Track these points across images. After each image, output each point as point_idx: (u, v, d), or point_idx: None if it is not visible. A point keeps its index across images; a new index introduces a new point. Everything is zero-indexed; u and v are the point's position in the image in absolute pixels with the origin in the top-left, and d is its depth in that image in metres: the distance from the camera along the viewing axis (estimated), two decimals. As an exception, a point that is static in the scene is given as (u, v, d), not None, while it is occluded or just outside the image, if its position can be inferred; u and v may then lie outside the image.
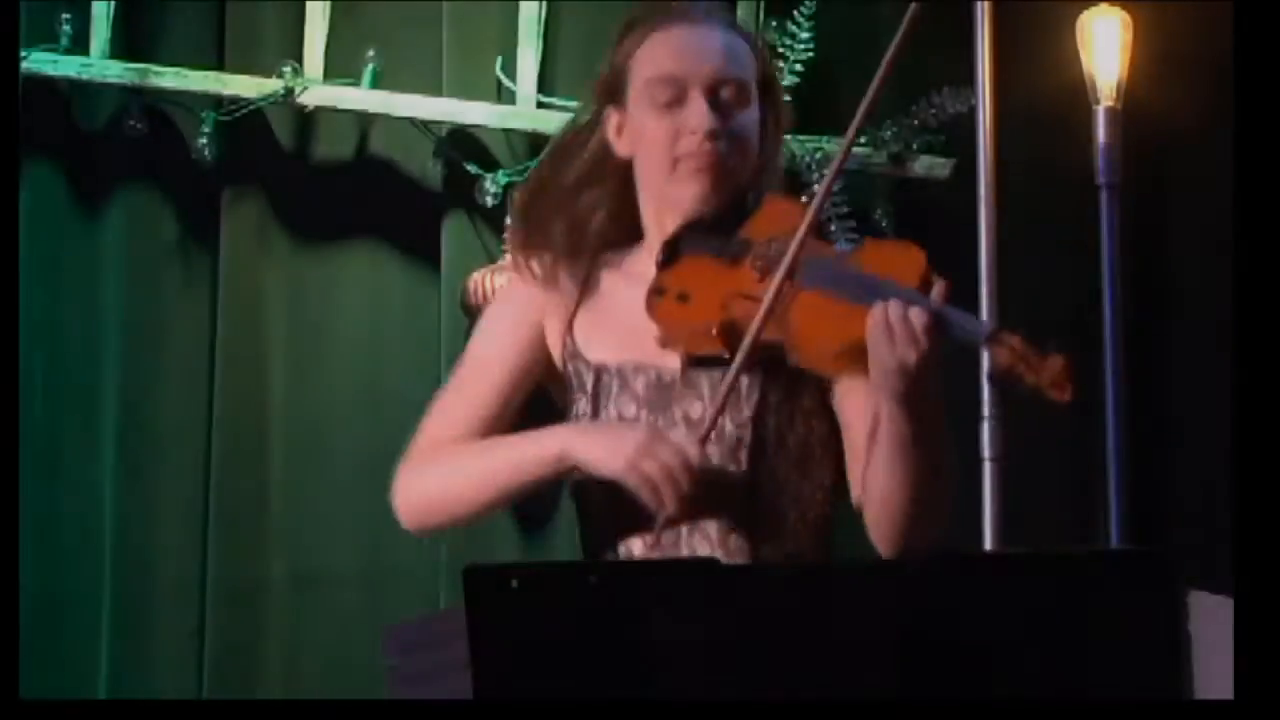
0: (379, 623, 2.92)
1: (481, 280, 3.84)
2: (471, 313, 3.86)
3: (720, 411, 2.62)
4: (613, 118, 2.77)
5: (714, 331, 2.63)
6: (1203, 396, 3.89)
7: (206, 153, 3.92)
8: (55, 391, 3.99)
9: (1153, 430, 3.94)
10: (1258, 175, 2.91)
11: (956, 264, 3.84)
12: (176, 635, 3.96)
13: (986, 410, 3.79)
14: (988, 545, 3.72)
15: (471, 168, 3.91)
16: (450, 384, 2.82)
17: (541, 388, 2.79)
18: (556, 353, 2.78)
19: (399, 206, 4.02)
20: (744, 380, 2.64)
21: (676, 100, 2.71)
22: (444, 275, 3.93)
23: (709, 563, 2.46)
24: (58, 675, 3.94)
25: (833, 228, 3.86)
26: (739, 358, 2.59)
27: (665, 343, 2.67)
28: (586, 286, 2.78)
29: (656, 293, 2.67)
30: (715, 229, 2.70)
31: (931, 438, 2.55)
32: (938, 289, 2.54)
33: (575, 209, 2.79)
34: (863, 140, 3.91)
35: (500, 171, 3.92)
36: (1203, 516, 3.80)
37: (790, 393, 2.67)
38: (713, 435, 2.63)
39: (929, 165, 3.92)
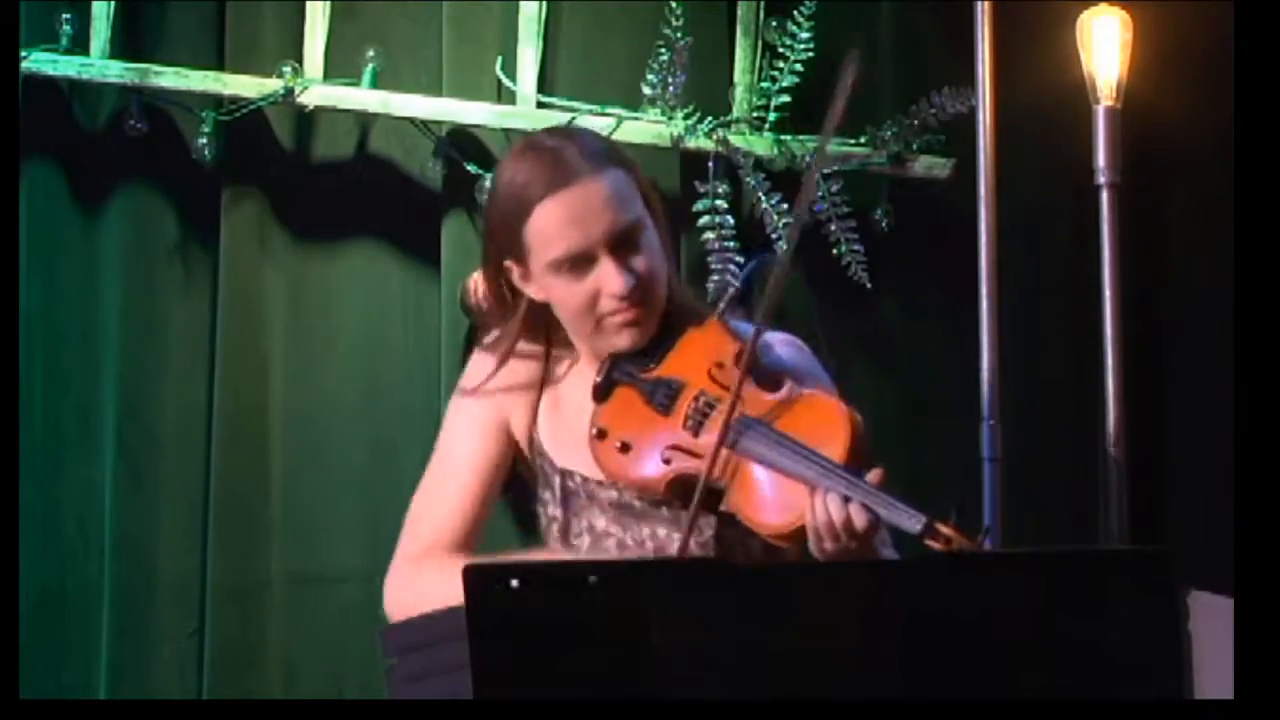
0: (379, 623, 2.91)
1: (482, 280, 3.84)
2: (471, 313, 3.85)
3: (685, 544, 2.72)
4: (514, 270, 2.84)
5: (662, 489, 2.77)
6: (1203, 396, 3.89)
7: (206, 152, 3.91)
8: (55, 391, 3.99)
9: (1153, 430, 3.94)
10: (1257, 175, 2.92)
11: (956, 264, 3.86)
12: (176, 635, 3.95)
13: (986, 411, 3.79)
14: (988, 545, 3.72)
15: (471, 167, 3.91)
16: (425, 488, 2.93)
17: (513, 474, 2.90)
18: (523, 444, 2.89)
19: (399, 206, 4.01)
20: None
21: (585, 265, 2.76)
22: (444, 275, 3.93)
23: (709, 563, 2.46)
24: (57, 675, 3.94)
25: (833, 227, 3.87)
26: (692, 510, 2.71)
27: (615, 483, 2.80)
28: (544, 381, 2.89)
29: (598, 435, 2.80)
30: (644, 356, 2.82)
31: None
32: (874, 476, 2.63)
33: (504, 336, 2.91)
34: (863, 140, 3.91)
35: (500, 171, 3.91)
36: (1203, 516, 3.80)
37: (742, 533, 2.77)
38: None
39: (929, 165, 3.92)
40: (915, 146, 3.91)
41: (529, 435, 2.88)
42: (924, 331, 3.97)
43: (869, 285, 3.88)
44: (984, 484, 3.77)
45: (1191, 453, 3.92)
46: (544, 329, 2.91)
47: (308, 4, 3.92)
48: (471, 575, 2.19)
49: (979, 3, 3.82)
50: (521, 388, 2.89)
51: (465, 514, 2.88)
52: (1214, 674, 2.35)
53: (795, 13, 3.91)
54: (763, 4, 3.93)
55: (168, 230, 4.00)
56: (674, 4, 3.87)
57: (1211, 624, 2.38)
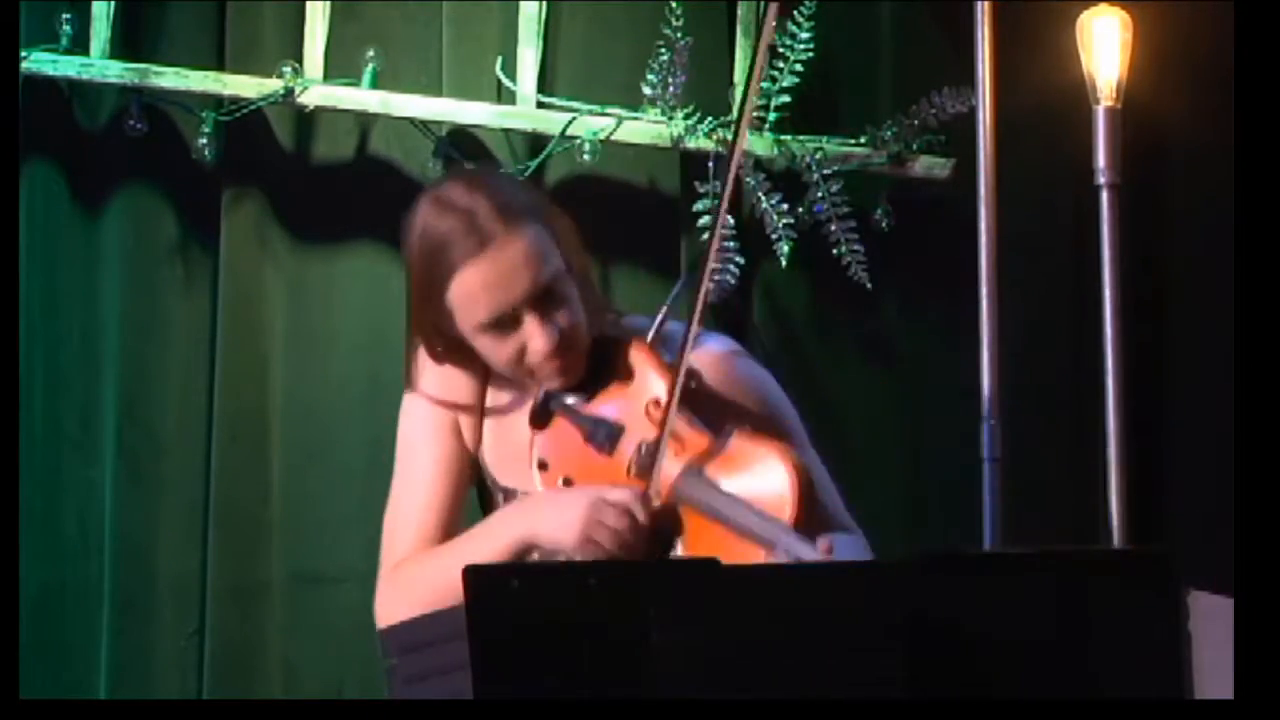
0: (380, 623, 2.92)
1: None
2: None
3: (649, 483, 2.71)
4: (444, 322, 2.84)
5: None
6: (1203, 396, 3.89)
7: (206, 153, 3.91)
8: (55, 391, 3.99)
9: (1153, 430, 3.93)
10: (1258, 175, 2.91)
11: (956, 264, 3.86)
12: (176, 635, 3.95)
13: (986, 411, 3.79)
14: (988, 545, 3.72)
15: (472, 167, 3.91)
16: (394, 502, 2.95)
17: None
18: (471, 447, 2.93)
19: (399, 206, 3.98)
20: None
21: (509, 325, 2.77)
22: (444, 275, 3.93)
23: (709, 563, 2.46)
24: (57, 675, 3.94)
25: (833, 227, 3.87)
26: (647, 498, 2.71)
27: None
28: (483, 399, 2.91)
29: (541, 466, 2.81)
30: (578, 389, 2.82)
31: None
32: (823, 545, 2.60)
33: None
34: (863, 140, 3.91)
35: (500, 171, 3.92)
36: (1203, 516, 3.80)
37: None
38: None
39: (929, 165, 3.92)
40: (915, 147, 3.91)
41: (475, 447, 2.90)
42: (924, 331, 3.97)
43: (869, 285, 3.88)
44: (984, 484, 3.77)
45: (1191, 453, 3.92)
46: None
47: (308, 4, 3.92)
48: (471, 575, 2.19)
49: (979, 3, 3.82)
50: (465, 398, 2.90)
51: (436, 519, 2.88)
52: (1214, 674, 2.35)
53: (795, 13, 3.91)
54: (763, 4, 3.93)
55: (168, 231, 4.00)
56: (674, 4, 3.87)
57: (1211, 624, 2.37)
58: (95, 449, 3.98)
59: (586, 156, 3.86)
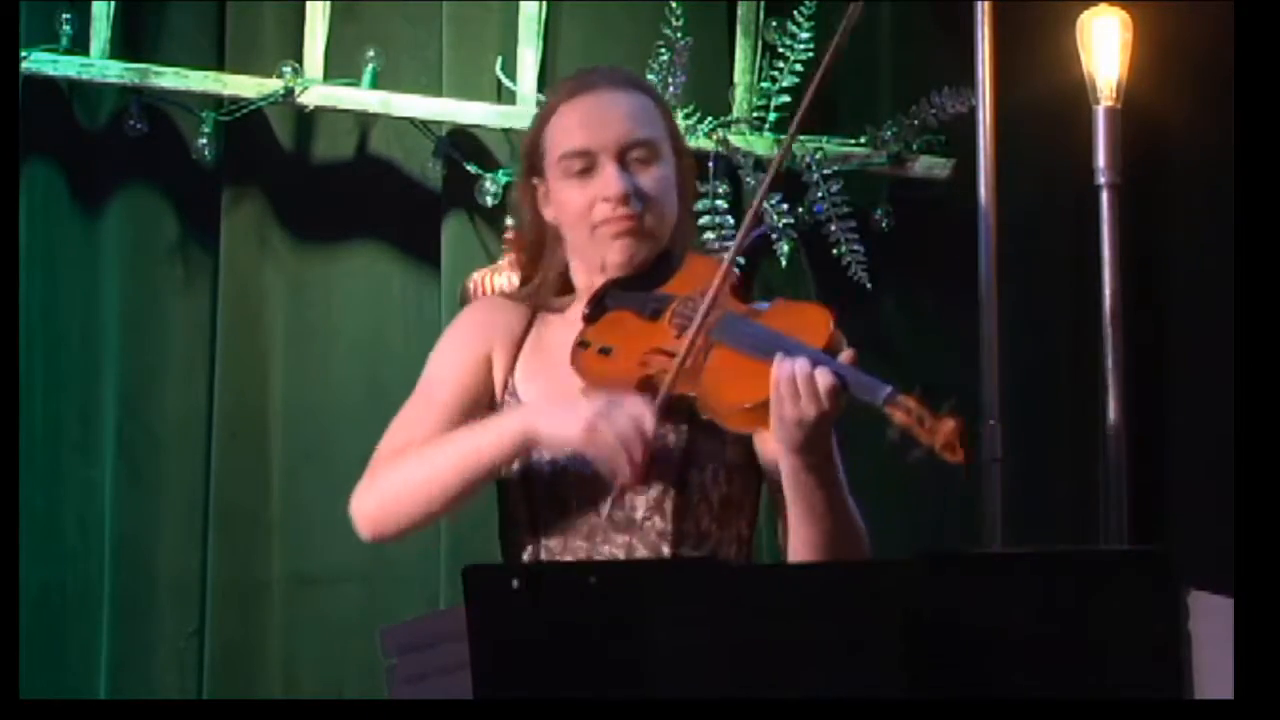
0: (379, 623, 2.90)
1: (482, 280, 3.84)
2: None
3: (670, 391, 2.69)
4: (539, 188, 2.88)
5: (632, 386, 2.73)
6: (1203, 396, 3.89)
7: (206, 153, 3.91)
8: (55, 391, 3.99)
9: (1153, 430, 3.94)
10: (1257, 174, 2.91)
11: (957, 264, 3.86)
12: (176, 635, 3.96)
13: (988, 411, 3.79)
14: (987, 545, 3.72)
15: (471, 167, 3.91)
16: (407, 404, 2.91)
17: (486, 413, 2.86)
18: (498, 385, 2.87)
19: (399, 206, 4.02)
20: (671, 437, 2.75)
21: (589, 169, 2.82)
22: (444, 275, 3.93)
23: (709, 562, 2.46)
24: (58, 675, 3.94)
25: (833, 226, 3.87)
26: (660, 401, 2.68)
27: (588, 393, 2.76)
28: (529, 327, 2.89)
29: (580, 345, 2.80)
30: (639, 285, 2.82)
31: (829, 487, 2.66)
32: (846, 354, 2.61)
33: (523, 263, 2.96)
34: (863, 140, 3.91)
35: (500, 171, 3.92)
36: (1203, 516, 3.80)
37: (716, 448, 2.78)
38: (641, 495, 2.73)
39: (929, 165, 3.92)
40: (915, 147, 3.92)
41: (505, 378, 2.88)
42: (924, 331, 3.97)
43: (869, 285, 3.88)
44: (984, 484, 3.77)
45: (1191, 452, 3.92)
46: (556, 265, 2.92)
47: (307, 4, 3.92)
48: (471, 575, 2.19)
49: (979, 3, 3.82)
50: (508, 327, 2.90)
51: (438, 428, 2.86)
52: (1214, 674, 2.35)
53: (795, 13, 3.91)
54: (763, 4, 3.93)
55: (168, 231, 4.00)
56: (674, 4, 3.87)
57: (1211, 624, 2.37)
58: (95, 449, 3.99)
59: (586, 156, 3.86)
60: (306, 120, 3.99)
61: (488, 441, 2.74)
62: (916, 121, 3.91)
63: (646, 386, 2.72)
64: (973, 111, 3.85)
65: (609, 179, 2.79)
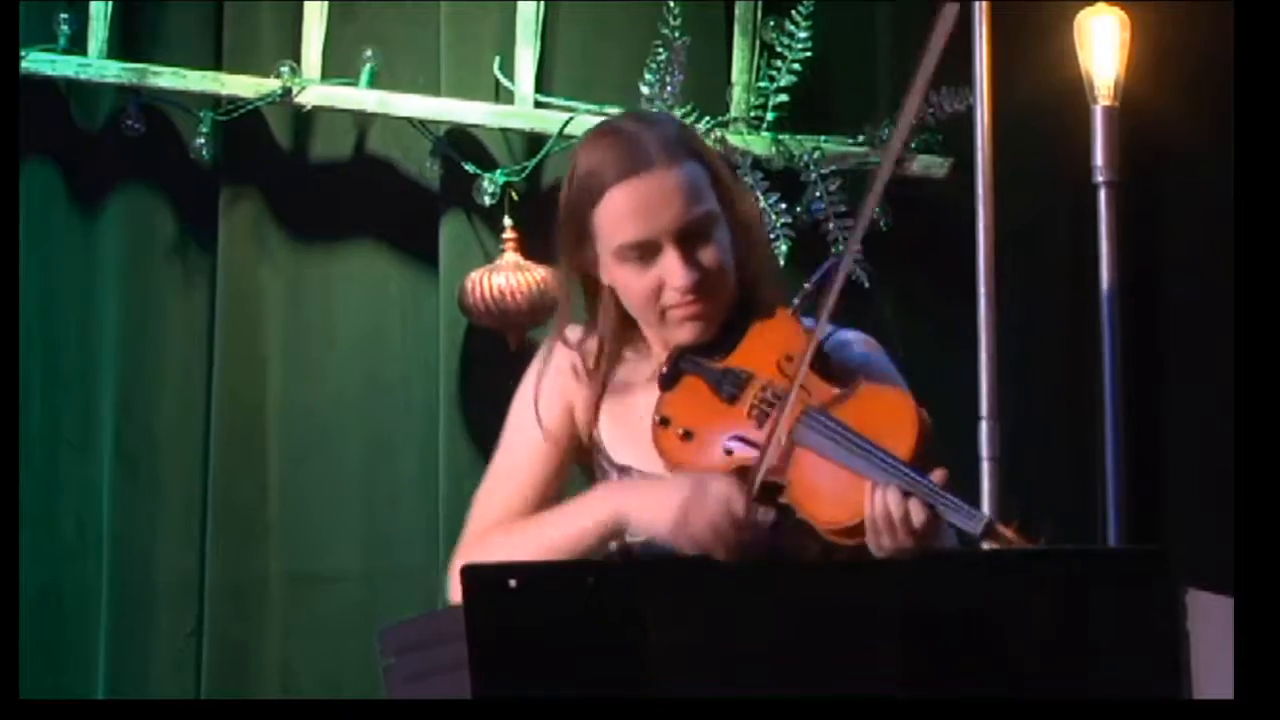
0: (378, 623, 2.90)
1: (480, 280, 3.84)
2: (470, 312, 3.85)
3: (759, 468, 2.64)
4: (589, 257, 2.79)
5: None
6: (1201, 395, 3.88)
7: (204, 152, 3.91)
8: (53, 391, 3.99)
9: (1151, 429, 3.94)
10: (1256, 173, 2.91)
11: (954, 263, 3.86)
12: (174, 635, 3.95)
13: (984, 410, 3.79)
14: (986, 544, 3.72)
15: (469, 167, 3.91)
16: (493, 472, 2.87)
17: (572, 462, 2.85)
18: (583, 437, 2.84)
19: (397, 206, 4.02)
20: (760, 518, 2.68)
21: (650, 255, 2.72)
22: (442, 274, 3.93)
23: (707, 562, 2.45)
24: (56, 675, 3.94)
25: (830, 226, 3.87)
26: (747, 502, 2.64)
27: (673, 471, 2.73)
28: (606, 380, 2.84)
29: (661, 423, 2.74)
30: (712, 347, 2.76)
31: None
32: (939, 475, 2.57)
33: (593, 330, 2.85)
34: (860, 139, 3.91)
35: (498, 171, 3.91)
36: (1202, 516, 3.80)
37: (807, 527, 2.68)
38: None
39: (927, 164, 3.92)
40: (913, 145, 3.91)
41: (589, 433, 2.85)
42: (922, 330, 3.96)
43: (866, 284, 3.88)
44: (982, 483, 3.77)
45: (1190, 452, 3.92)
46: (621, 319, 2.88)
47: (305, 4, 3.92)
48: (469, 575, 2.19)
49: (977, 2, 3.82)
50: (585, 384, 2.86)
51: (528, 497, 2.81)
52: (1213, 674, 2.35)
53: (793, 12, 3.91)
54: (760, 4, 3.93)
55: (166, 230, 4.00)
56: (672, 4, 3.87)
57: (1211, 624, 2.37)
58: (93, 449, 3.99)
59: (584, 156, 3.86)
60: (304, 120, 3.99)
61: (578, 528, 2.69)
62: (914, 120, 3.91)
63: (735, 477, 2.70)
64: (970, 110, 3.85)
65: (675, 269, 2.70)
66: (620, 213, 2.72)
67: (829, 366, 2.75)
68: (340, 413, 3.98)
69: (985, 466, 3.78)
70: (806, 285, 2.78)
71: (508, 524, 2.78)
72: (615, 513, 2.68)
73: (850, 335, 2.88)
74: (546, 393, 2.86)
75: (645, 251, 2.72)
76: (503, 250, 3.86)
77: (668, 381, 2.78)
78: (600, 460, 2.84)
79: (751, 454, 2.68)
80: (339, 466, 3.97)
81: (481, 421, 3.81)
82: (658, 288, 2.73)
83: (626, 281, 2.75)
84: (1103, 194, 3.83)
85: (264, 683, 3.94)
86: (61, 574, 3.98)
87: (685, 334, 2.76)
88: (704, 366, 2.77)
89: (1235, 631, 2.46)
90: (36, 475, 3.93)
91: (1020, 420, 3.85)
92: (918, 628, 2.12)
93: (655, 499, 2.66)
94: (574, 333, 2.88)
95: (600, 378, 2.84)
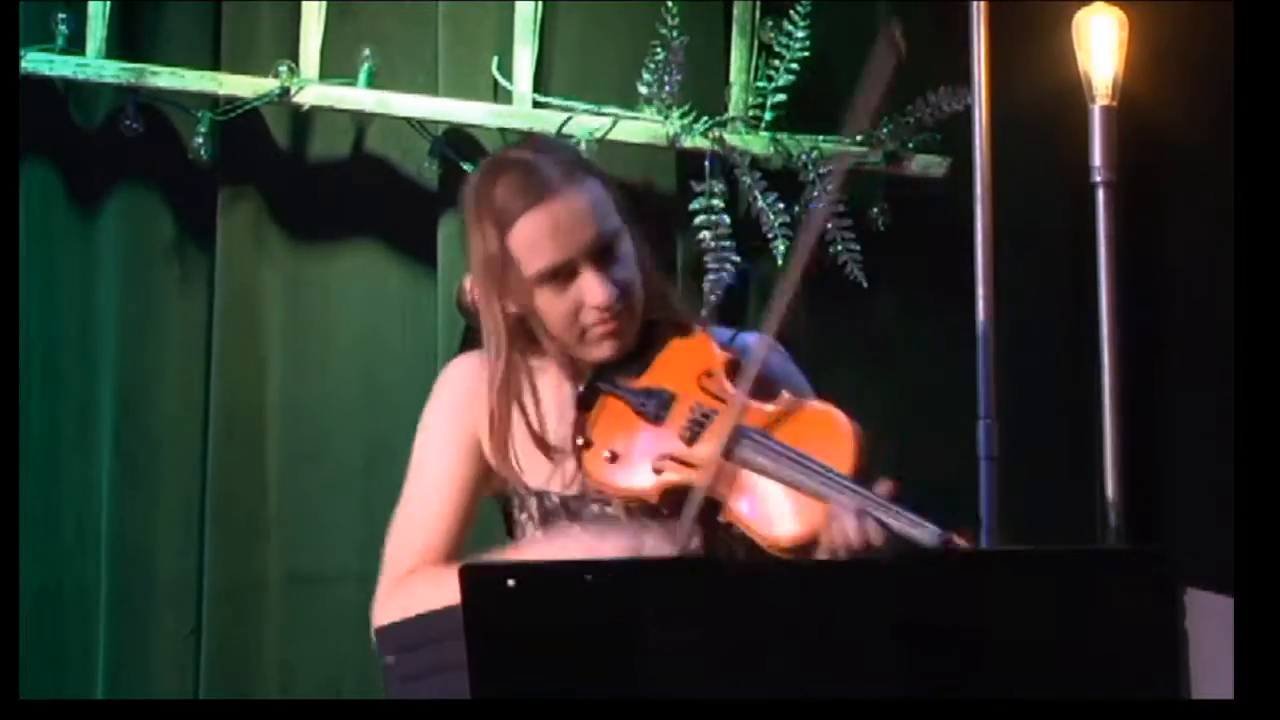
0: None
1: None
2: (468, 312, 3.85)
3: (702, 487, 2.68)
4: (495, 284, 2.82)
5: (655, 499, 2.73)
6: (1201, 395, 3.89)
7: (203, 152, 3.91)
8: (52, 391, 3.99)
9: (1150, 428, 3.94)
10: (1255, 173, 2.91)
11: (953, 262, 3.86)
12: (173, 635, 3.95)
13: (984, 410, 3.79)
14: (985, 544, 3.72)
15: (468, 167, 3.91)
16: (404, 507, 2.89)
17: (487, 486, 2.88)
18: (493, 464, 2.86)
19: (395, 206, 4.02)
20: (696, 541, 2.72)
21: (568, 276, 2.76)
22: (440, 274, 3.93)
23: (706, 562, 2.46)
24: (55, 675, 3.94)
25: (829, 226, 3.87)
26: (687, 521, 2.67)
27: (600, 494, 2.77)
28: (506, 394, 2.85)
29: (585, 445, 2.78)
30: (624, 365, 2.80)
31: None
32: (885, 488, 2.61)
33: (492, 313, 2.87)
34: (859, 138, 3.91)
35: (497, 171, 3.91)
36: (1201, 516, 3.80)
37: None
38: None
39: (925, 164, 3.92)
40: (911, 145, 3.92)
41: (498, 462, 2.86)
42: (920, 330, 3.97)
43: (865, 284, 3.88)
44: (982, 483, 3.77)
45: (1190, 452, 3.92)
46: (522, 340, 2.89)
47: (303, 4, 3.92)
48: (468, 575, 2.19)
49: (974, 2, 3.82)
50: (485, 405, 2.87)
51: (445, 533, 2.85)
52: (1213, 674, 2.35)
53: (791, 12, 3.91)
54: (759, 3, 3.93)
55: (164, 230, 4.00)
56: (670, 3, 3.87)
57: (1210, 623, 2.37)
58: (92, 448, 3.98)
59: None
60: (303, 120, 3.99)
61: None
62: (912, 120, 3.91)
63: (669, 496, 2.73)
64: (969, 110, 3.85)
65: (593, 288, 2.75)
66: (532, 240, 2.75)
67: (746, 377, 2.76)
68: (339, 412, 3.98)
69: (985, 466, 3.78)
70: (711, 297, 2.82)
71: (434, 570, 2.79)
72: None
73: (752, 339, 2.89)
74: (451, 421, 2.87)
75: (562, 273, 2.74)
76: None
77: (585, 402, 2.79)
78: (515, 487, 2.85)
79: (683, 473, 2.69)
80: (338, 466, 3.97)
81: (480, 421, 3.80)
82: (577, 308, 2.76)
83: (545, 305, 2.78)
84: (1101, 193, 3.83)
85: (263, 683, 3.94)
86: (61, 574, 3.98)
87: (604, 351, 2.79)
88: (621, 387, 2.79)
89: (1235, 631, 2.46)
90: (35, 475, 3.93)
91: (1020, 420, 3.85)
92: (916, 628, 2.12)
93: (586, 555, 2.70)
94: (470, 359, 2.90)
95: (506, 401, 2.85)
